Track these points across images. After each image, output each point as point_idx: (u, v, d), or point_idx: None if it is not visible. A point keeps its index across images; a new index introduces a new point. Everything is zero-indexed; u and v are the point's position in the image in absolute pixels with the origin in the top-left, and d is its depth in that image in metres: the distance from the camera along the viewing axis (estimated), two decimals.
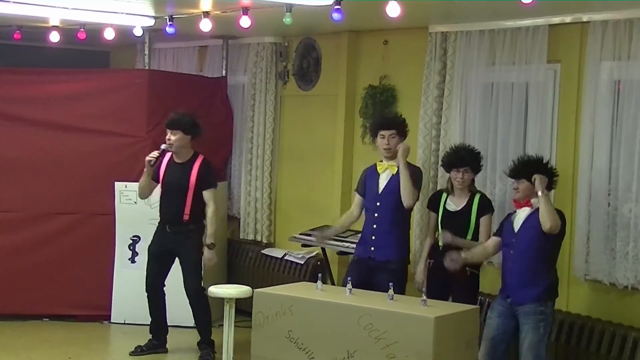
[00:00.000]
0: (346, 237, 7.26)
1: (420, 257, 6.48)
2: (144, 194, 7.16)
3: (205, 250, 6.96)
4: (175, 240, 6.97)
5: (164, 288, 7.16)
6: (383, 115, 6.85)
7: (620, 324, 5.87)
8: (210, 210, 6.96)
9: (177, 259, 7.07)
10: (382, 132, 6.38)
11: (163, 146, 6.97)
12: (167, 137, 6.95)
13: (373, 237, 6.38)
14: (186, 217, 6.94)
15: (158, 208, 7.10)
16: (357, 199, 6.61)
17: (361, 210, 6.58)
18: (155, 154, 6.95)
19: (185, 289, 7.00)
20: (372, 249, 6.37)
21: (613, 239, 5.99)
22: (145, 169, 6.98)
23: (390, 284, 5.79)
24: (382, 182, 6.39)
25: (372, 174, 6.50)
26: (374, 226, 6.39)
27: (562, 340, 6.04)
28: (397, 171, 6.31)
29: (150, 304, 7.14)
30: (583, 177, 6.13)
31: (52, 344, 7.46)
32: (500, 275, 5.81)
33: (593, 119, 6.07)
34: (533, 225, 5.53)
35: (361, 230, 6.56)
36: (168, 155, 7.06)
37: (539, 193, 5.47)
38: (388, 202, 6.34)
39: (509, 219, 5.77)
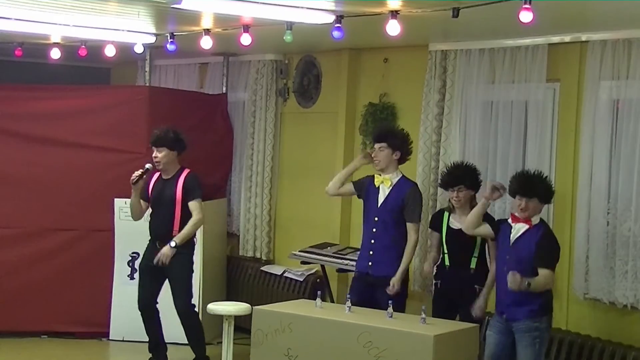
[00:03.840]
0: (345, 254, 7.28)
1: (425, 266, 6.46)
2: (136, 215, 7.08)
3: (167, 246, 6.75)
4: None
5: (157, 305, 7.07)
6: (379, 126, 6.83)
7: (620, 343, 5.85)
8: (194, 219, 6.82)
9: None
10: (374, 145, 6.44)
11: (147, 165, 6.90)
12: (154, 154, 6.88)
13: (371, 252, 6.39)
14: (175, 233, 6.85)
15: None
16: (349, 185, 6.56)
17: (342, 192, 6.61)
18: (137, 173, 6.86)
19: (175, 307, 6.93)
20: (370, 264, 6.38)
21: (612, 257, 5.99)
22: (132, 190, 6.91)
23: (390, 301, 5.80)
24: (381, 197, 6.40)
25: (371, 184, 6.49)
26: (372, 241, 6.40)
27: (561, 359, 6.02)
28: (392, 186, 6.34)
29: (145, 322, 7.06)
30: (582, 195, 6.13)
31: None
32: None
33: (592, 138, 6.08)
34: (528, 245, 5.48)
35: (360, 247, 6.57)
36: (157, 174, 6.99)
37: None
38: (386, 218, 6.36)
39: (506, 224, 5.67)
